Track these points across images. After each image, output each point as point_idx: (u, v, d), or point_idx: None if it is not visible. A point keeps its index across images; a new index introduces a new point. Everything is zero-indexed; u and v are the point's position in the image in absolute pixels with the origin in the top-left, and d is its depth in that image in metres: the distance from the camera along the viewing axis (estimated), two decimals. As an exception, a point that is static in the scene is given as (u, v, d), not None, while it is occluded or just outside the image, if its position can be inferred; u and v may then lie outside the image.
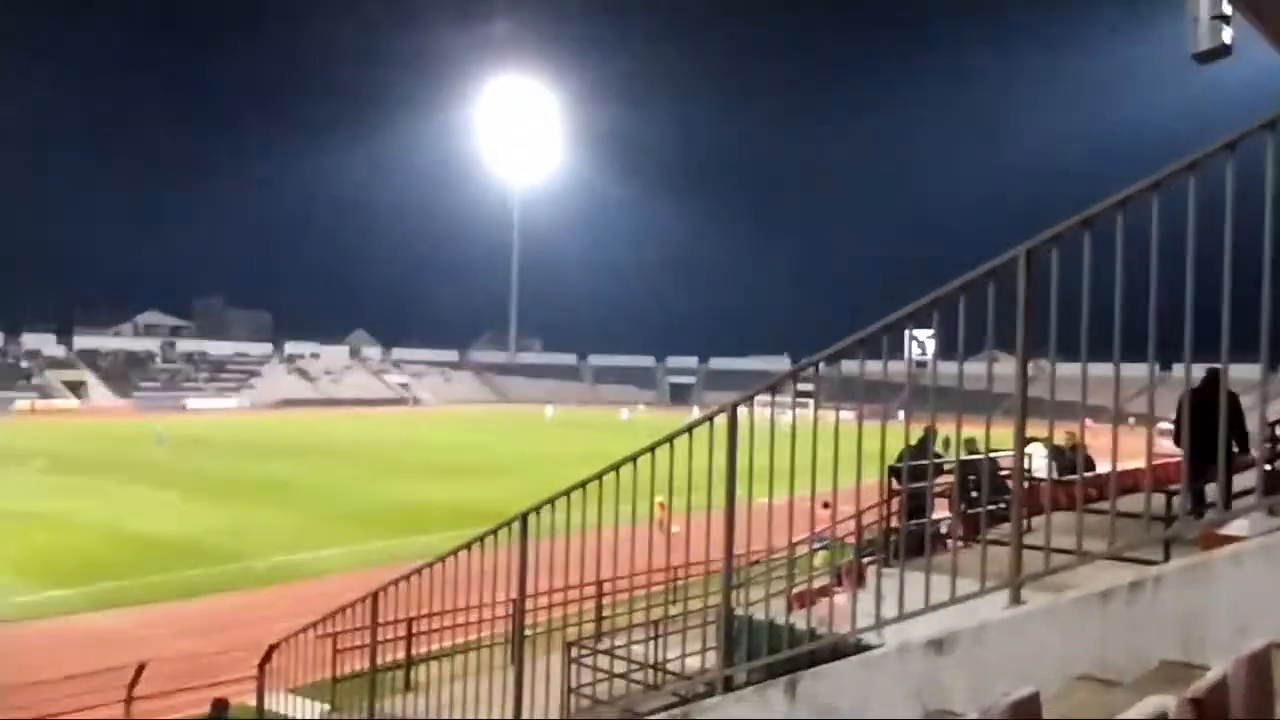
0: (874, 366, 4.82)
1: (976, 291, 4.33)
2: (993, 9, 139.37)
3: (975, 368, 4.14)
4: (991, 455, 5.92)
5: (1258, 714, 2.60)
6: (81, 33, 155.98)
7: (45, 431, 67.84)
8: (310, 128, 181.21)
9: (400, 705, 11.67)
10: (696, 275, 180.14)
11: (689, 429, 5.50)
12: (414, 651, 13.83)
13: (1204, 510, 5.54)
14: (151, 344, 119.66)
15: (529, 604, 7.47)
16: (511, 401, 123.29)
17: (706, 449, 5.26)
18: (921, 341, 5.21)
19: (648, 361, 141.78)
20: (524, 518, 6.98)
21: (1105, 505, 4.23)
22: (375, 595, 9.54)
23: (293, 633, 11.21)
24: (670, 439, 5.62)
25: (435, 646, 13.51)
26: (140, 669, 13.69)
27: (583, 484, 6.25)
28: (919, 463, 6.24)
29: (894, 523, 8.26)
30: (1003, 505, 6.79)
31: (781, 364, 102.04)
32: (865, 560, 8.51)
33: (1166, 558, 4.85)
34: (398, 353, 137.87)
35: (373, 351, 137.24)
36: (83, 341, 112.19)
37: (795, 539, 6.17)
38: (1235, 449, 6.37)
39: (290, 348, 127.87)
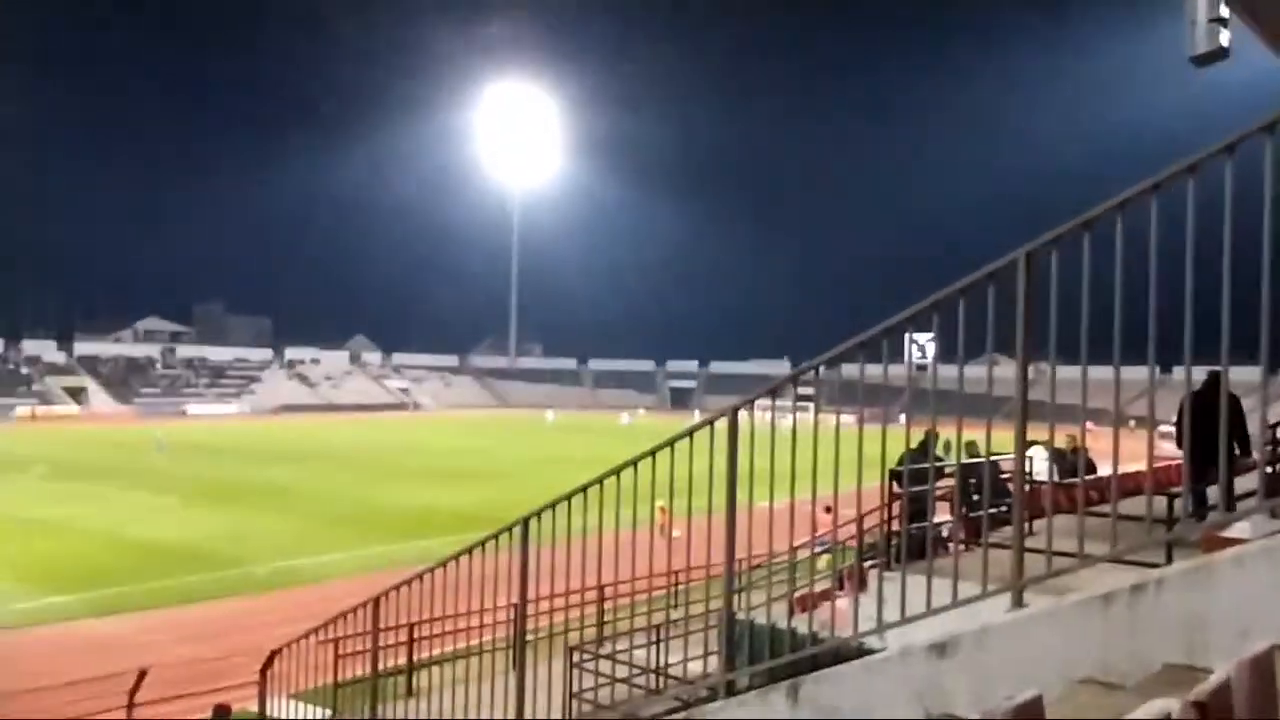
0: (874, 370, 4.82)
1: (976, 294, 4.32)
2: (992, 10, 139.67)
3: (976, 371, 4.14)
4: (992, 458, 5.92)
5: (1261, 716, 2.59)
6: (81, 36, 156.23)
7: (46, 438, 67.82)
8: (310, 133, 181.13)
9: (402, 710, 11.63)
10: (696, 279, 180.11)
11: (689, 433, 5.50)
12: (416, 656, 13.81)
13: (1206, 513, 5.54)
14: (152, 350, 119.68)
15: (530, 609, 7.45)
16: (512, 406, 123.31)
17: (707, 453, 5.26)
18: (922, 345, 5.21)
19: (648, 366, 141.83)
20: (525, 522, 6.97)
21: (1107, 508, 4.23)
22: (377, 600, 9.53)
23: (294, 638, 11.19)
24: (671, 443, 5.61)
25: (437, 651, 13.48)
26: (141, 675, 13.67)
27: (583, 488, 6.25)
28: (920, 466, 6.23)
29: (895, 526, 8.25)
30: (1004, 508, 6.79)
31: (782, 368, 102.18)
32: (867, 564, 8.51)
33: (1168, 560, 4.84)
34: (398, 358, 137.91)
35: (373, 357, 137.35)
36: (83, 348, 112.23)
37: (796, 543, 6.17)
38: (1237, 451, 6.38)
39: (290, 353, 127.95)
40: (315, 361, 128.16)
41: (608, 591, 14.10)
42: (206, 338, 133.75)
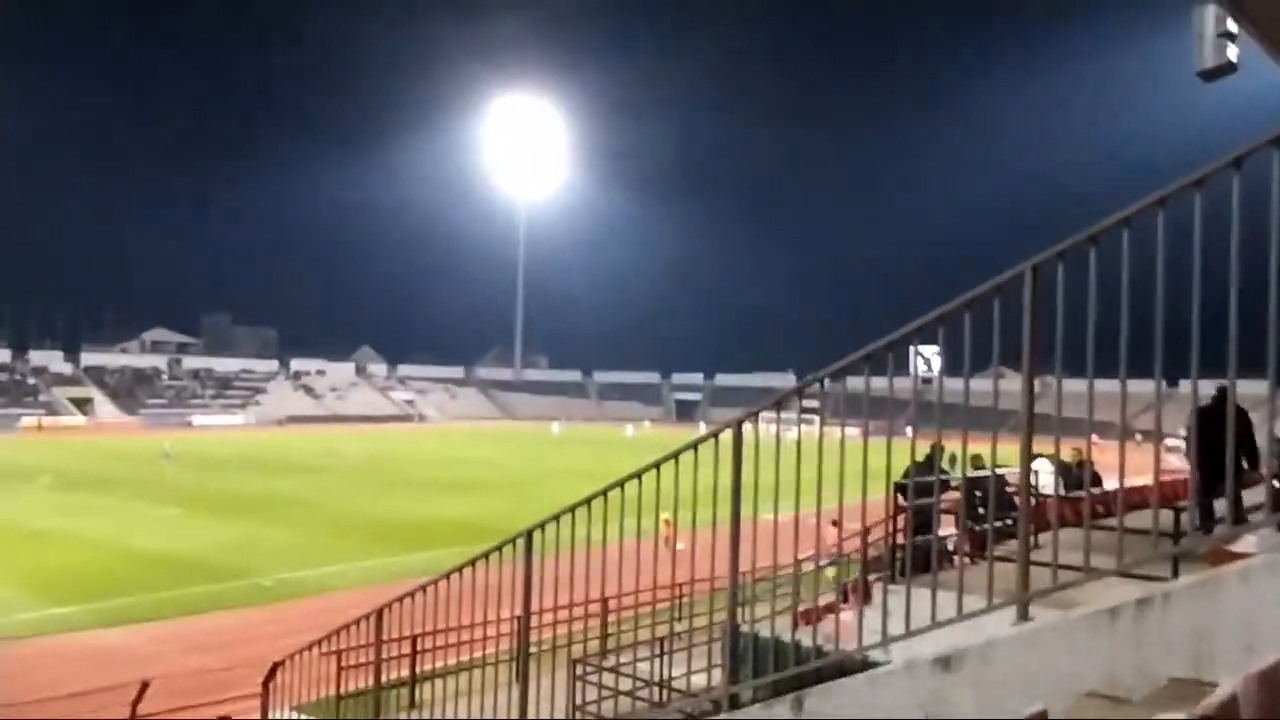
0: (880, 383, 4.81)
1: (982, 307, 4.32)
2: (998, 20, 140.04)
3: (981, 384, 4.13)
4: (998, 471, 5.90)
5: (1268, 732, 2.58)
6: (88, 48, 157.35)
7: (52, 448, 67.94)
8: (317, 145, 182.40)
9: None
10: (702, 291, 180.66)
11: (694, 445, 5.49)
12: (419, 669, 13.78)
13: (1212, 526, 5.52)
14: (158, 361, 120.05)
15: (534, 621, 7.44)
16: (517, 418, 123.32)
17: (712, 465, 5.25)
18: (927, 358, 5.21)
19: (653, 378, 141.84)
20: (529, 534, 6.96)
21: (1112, 521, 4.21)
22: (380, 612, 9.52)
23: (297, 650, 11.18)
24: (675, 455, 5.61)
25: (440, 664, 13.46)
26: (144, 686, 13.65)
27: (588, 500, 6.24)
28: (925, 479, 6.22)
29: (900, 539, 8.22)
30: (1009, 522, 6.76)
31: (787, 380, 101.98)
32: (871, 577, 8.48)
33: (1175, 574, 4.82)
34: (403, 369, 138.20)
35: (378, 368, 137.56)
36: (90, 358, 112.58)
37: (801, 555, 6.15)
38: (1245, 465, 6.35)
39: (296, 364, 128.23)
40: (321, 373, 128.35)
41: (612, 604, 14.08)
42: (213, 349, 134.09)
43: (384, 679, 10.57)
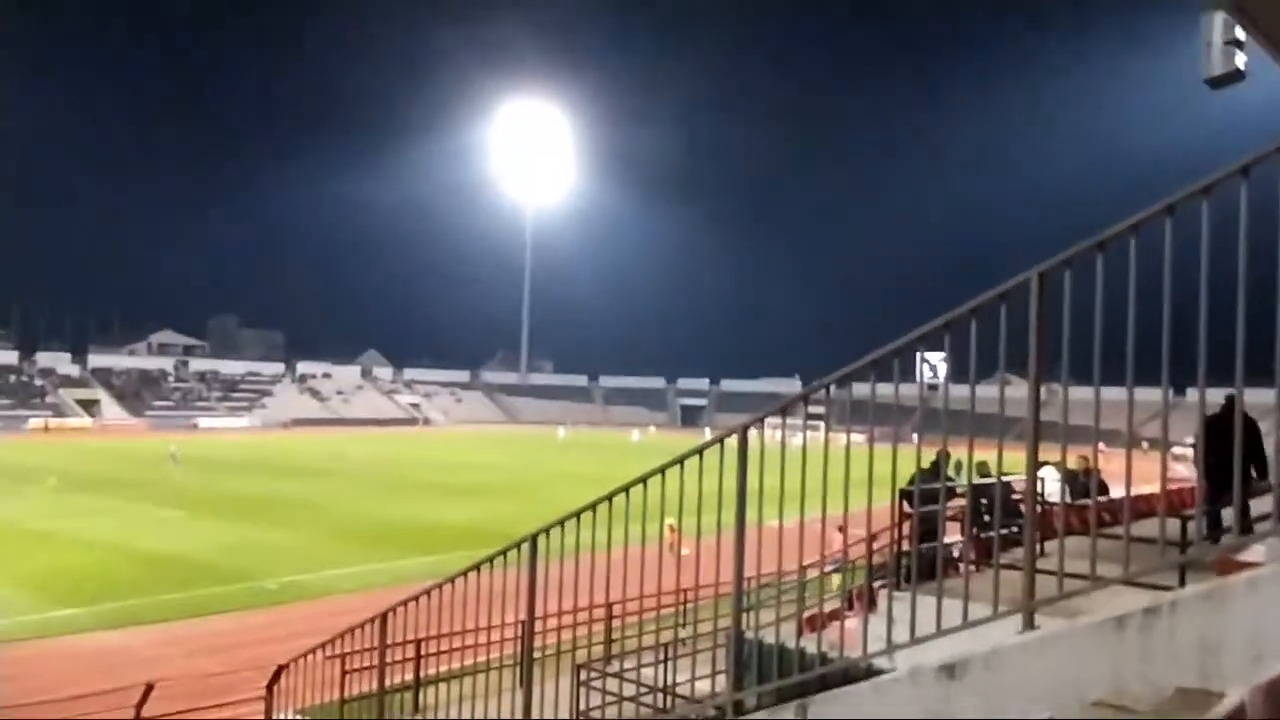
0: (886, 389, 4.80)
1: (989, 314, 4.31)
2: (1004, 22, 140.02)
3: (987, 391, 4.12)
4: (1004, 479, 5.89)
5: (1276, 743, 2.56)
6: (98, 51, 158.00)
7: (58, 450, 68.11)
8: (324, 149, 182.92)
9: (408, 727, 11.62)
10: (707, 297, 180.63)
11: (699, 451, 5.49)
12: (423, 673, 13.76)
13: (1220, 535, 5.49)
14: (165, 363, 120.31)
15: (538, 625, 7.43)
16: (522, 422, 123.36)
17: (717, 471, 5.24)
18: (933, 364, 5.20)
19: (659, 383, 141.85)
20: (534, 539, 6.96)
21: (1119, 530, 4.19)
22: (384, 616, 9.52)
23: (301, 653, 11.18)
24: (681, 460, 5.60)
25: (444, 668, 13.44)
26: (149, 689, 13.65)
27: (593, 505, 6.23)
28: (930, 486, 6.20)
29: (905, 546, 8.20)
30: (1015, 529, 6.74)
31: (793, 386, 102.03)
32: (876, 583, 8.46)
33: (1182, 583, 4.80)
34: (409, 373, 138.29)
35: (384, 372, 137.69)
36: (97, 360, 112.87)
37: (806, 562, 6.14)
38: (1254, 474, 6.32)
39: (302, 367, 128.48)
40: (327, 376, 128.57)
41: (616, 609, 14.06)
42: (219, 351, 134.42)
43: (388, 683, 10.56)
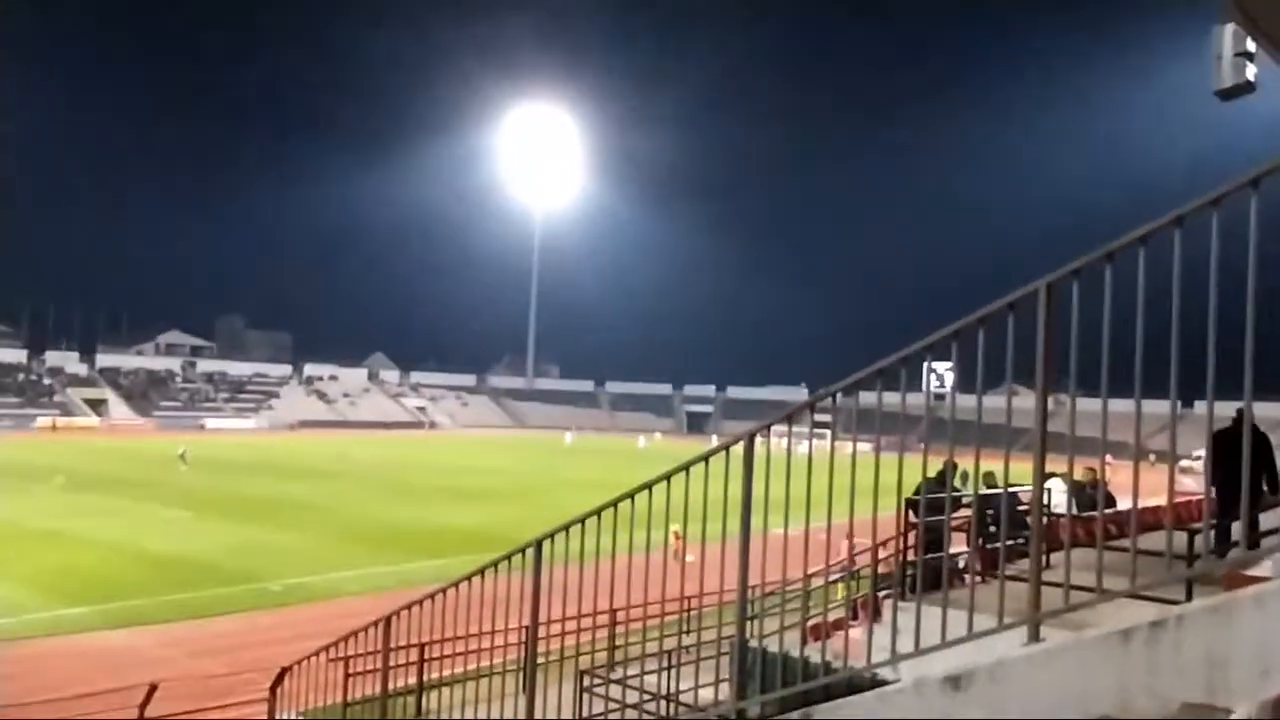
0: (892, 398, 4.79)
1: (996, 324, 4.30)
2: (1012, 30, 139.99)
3: (994, 401, 4.10)
4: (1010, 489, 5.86)
5: (1282, 759, 2.54)
6: (104, 51, 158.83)
7: (65, 449, 68.32)
8: (332, 151, 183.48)
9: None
10: (715, 304, 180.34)
11: (705, 458, 5.48)
12: (426, 677, 13.75)
13: (1228, 549, 5.46)
14: (172, 363, 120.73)
15: (542, 631, 7.42)
16: (528, 427, 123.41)
17: (723, 478, 5.23)
18: (940, 374, 5.19)
19: (665, 389, 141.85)
20: (539, 544, 6.95)
21: (1126, 542, 4.17)
22: (388, 619, 9.52)
23: (305, 655, 11.19)
24: (686, 467, 5.60)
25: (447, 672, 13.43)
26: (152, 689, 13.67)
27: (598, 511, 6.23)
28: (936, 495, 6.19)
29: (910, 556, 8.18)
30: (1021, 540, 6.72)
31: (799, 394, 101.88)
32: (881, 594, 8.43)
33: (1189, 597, 4.77)
34: (416, 376, 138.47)
35: (391, 375, 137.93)
36: (105, 360, 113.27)
37: (811, 571, 6.12)
38: (1266, 489, 6.29)
39: (309, 369, 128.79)
40: (334, 378, 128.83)
41: (620, 615, 14.01)
42: (227, 352, 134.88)
43: (391, 686, 10.57)
